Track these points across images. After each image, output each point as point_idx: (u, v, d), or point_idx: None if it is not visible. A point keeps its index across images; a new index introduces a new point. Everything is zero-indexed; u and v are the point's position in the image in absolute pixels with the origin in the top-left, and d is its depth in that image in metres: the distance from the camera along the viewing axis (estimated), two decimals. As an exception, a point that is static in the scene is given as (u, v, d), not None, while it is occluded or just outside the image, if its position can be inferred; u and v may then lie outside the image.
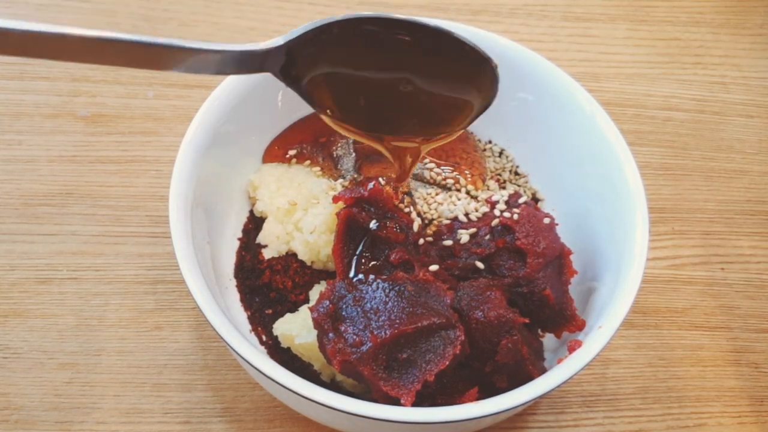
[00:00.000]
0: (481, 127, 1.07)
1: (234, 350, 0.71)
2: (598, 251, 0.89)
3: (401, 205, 0.87)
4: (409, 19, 0.75)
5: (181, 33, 1.25)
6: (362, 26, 0.75)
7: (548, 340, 0.88)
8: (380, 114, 0.83)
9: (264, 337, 0.89)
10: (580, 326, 0.82)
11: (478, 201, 0.94)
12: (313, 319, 0.73)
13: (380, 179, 0.91)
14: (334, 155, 0.99)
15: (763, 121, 1.26)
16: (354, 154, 1.00)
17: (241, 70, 0.74)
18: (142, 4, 1.29)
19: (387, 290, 0.74)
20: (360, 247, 0.81)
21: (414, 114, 0.83)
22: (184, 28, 1.26)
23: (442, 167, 0.99)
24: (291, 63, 0.75)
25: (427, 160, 1.00)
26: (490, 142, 1.07)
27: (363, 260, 0.80)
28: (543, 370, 0.80)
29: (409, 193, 0.90)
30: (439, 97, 0.81)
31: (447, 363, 0.71)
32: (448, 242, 0.85)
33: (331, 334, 0.72)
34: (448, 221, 0.89)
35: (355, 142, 1.01)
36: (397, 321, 0.71)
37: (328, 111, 0.82)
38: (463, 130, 0.86)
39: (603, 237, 0.89)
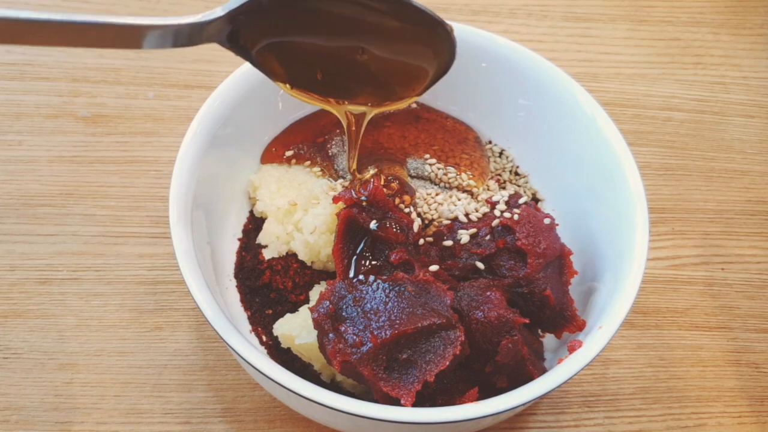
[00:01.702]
0: (481, 127, 1.07)
1: (234, 350, 0.71)
2: (598, 251, 0.89)
3: (401, 206, 0.87)
4: None
5: (181, 33, 1.25)
6: None
7: (548, 340, 0.88)
8: (337, 81, 0.81)
9: (264, 338, 0.89)
10: (581, 326, 0.82)
11: (479, 201, 0.94)
12: (314, 320, 0.73)
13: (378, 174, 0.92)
14: (330, 153, 0.99)
15: (763, 121, 1.26)
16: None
17: (182, 43, 0.70)
18: (142, 5, 1.29)
19: (387, 291, 0.74)
20: (360, 248, 0.81)
21: (372, 80, 0.81)
22: (184, 29, 1.26)
23: (442, 166, 0.99)
24: (237, 32, 0.72)
25: (428, 156, 0.99)
26: (490, 142, 1.07)
27: (363, 260, 0.80)
28: (543, 371, 0.80)
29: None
30: (396, 63, 0.80)
31: (447, 363, 0.71)
32: (449, 243, 0.85)
33: (331, 335, 0.72)
34: (448, 221, 0.89)
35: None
36: (398, 321, 0.71)
37: (286, 83, 0.80)
38: (421, 95, 0.85)
39: (603, 237, 0.89)
